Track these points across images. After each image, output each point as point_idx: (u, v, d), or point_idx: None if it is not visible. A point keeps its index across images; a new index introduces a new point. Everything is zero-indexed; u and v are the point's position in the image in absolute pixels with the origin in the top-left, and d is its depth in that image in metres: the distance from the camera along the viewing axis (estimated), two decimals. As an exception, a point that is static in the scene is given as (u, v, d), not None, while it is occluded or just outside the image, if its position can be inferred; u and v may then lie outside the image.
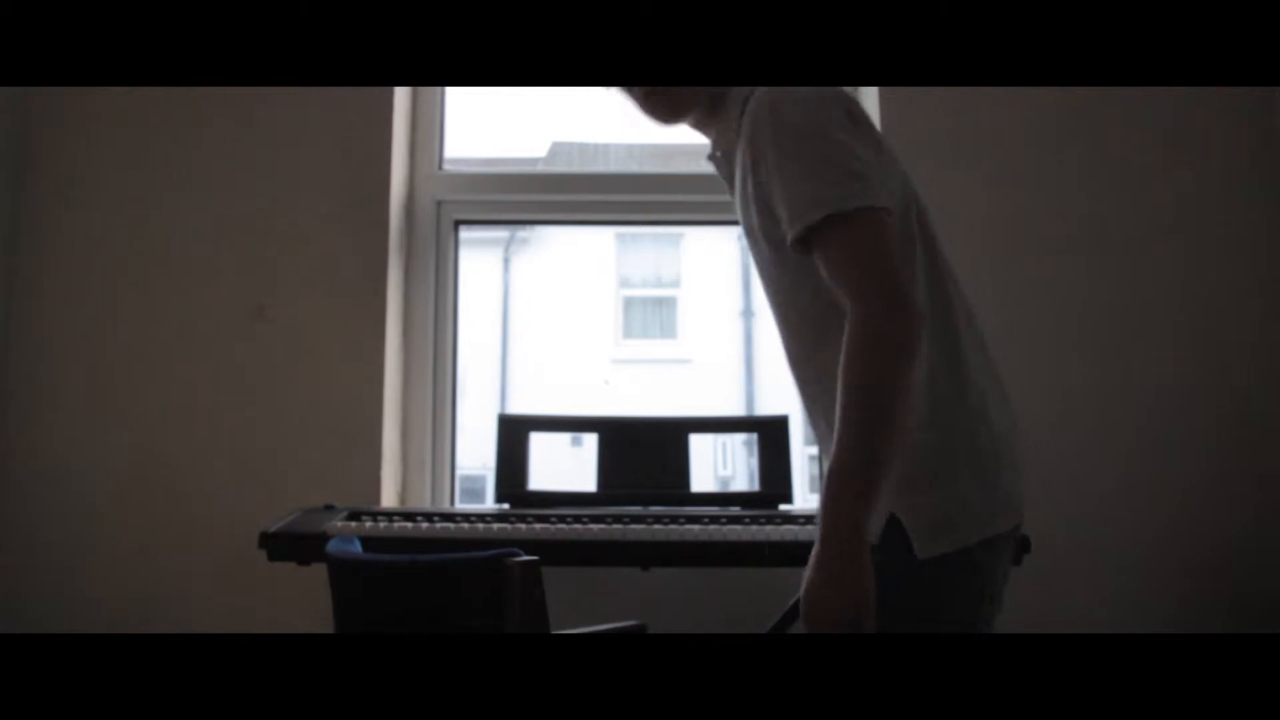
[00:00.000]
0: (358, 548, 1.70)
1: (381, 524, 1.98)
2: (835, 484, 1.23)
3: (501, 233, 2.94)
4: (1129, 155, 2.45)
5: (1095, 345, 2.40)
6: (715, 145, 1.53)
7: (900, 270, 1.26)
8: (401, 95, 2.55)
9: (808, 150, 1.30)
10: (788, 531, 1.92)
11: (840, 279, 1.27)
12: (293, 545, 1.93)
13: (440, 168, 2.66)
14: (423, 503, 2.52)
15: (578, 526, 1.96)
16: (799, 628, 1.27)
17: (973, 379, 1.38)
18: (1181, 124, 2.45)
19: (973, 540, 1.32)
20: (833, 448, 1.25)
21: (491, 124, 2.80)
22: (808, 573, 1.25)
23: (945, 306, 1.40)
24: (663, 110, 1.51)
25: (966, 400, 1.36)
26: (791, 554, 1.85)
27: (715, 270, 2.97)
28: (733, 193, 1.51)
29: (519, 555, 1.48)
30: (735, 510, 2.17)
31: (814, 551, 1.25)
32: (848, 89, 1.41)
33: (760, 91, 1.38)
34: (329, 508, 2.13)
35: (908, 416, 1.24)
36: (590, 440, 2.31)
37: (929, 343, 1.33)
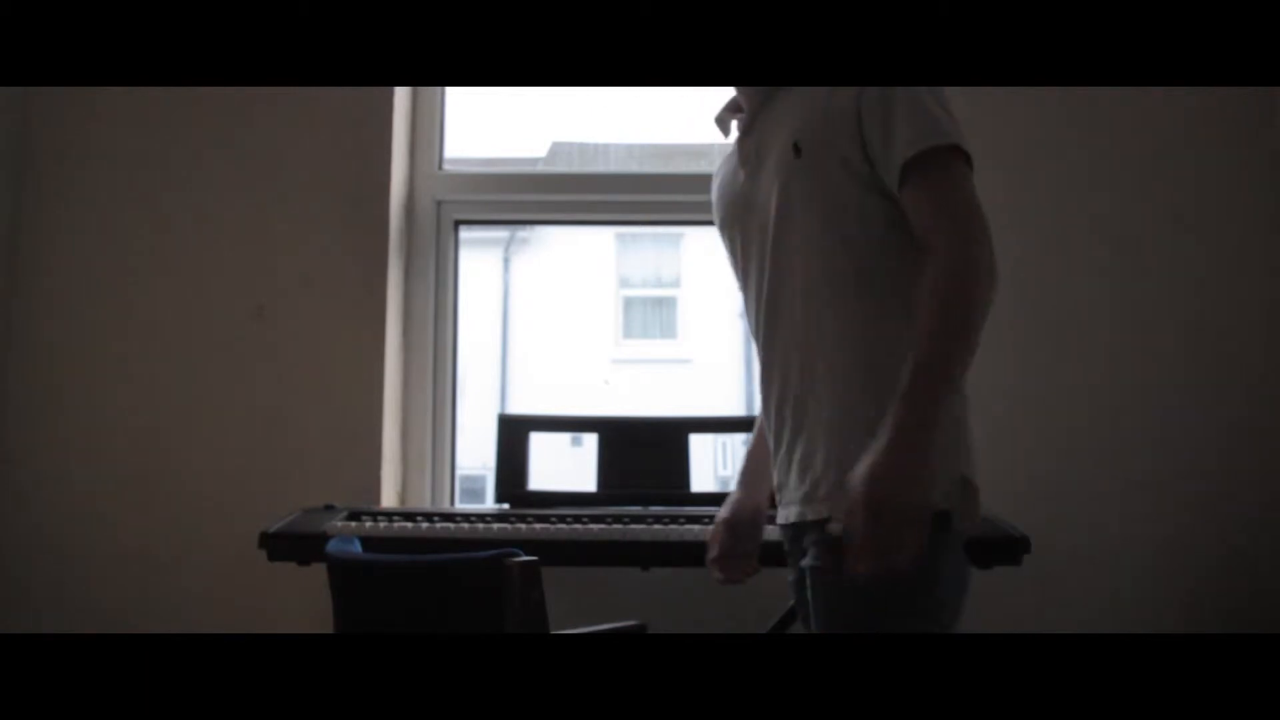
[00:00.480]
0: (358, 548, 1.70)
1: (381, 524, 1.98)
2: (922, 379, 1.24)
3: (501, 233, 2.94)
4: (1129, 155, 2.44)
5: (1097, 346, 2.39)
6: (752, 117, 1.48)
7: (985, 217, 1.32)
8: (401, 95, 2.54)
9: (927, 91, 1.35)
10: (788, 531, 1.92)
11: (948, 211, 1.32)
12: (293, 545, 1.93)
13: (440, 168, 2.65)
14: (423, 503, 2.52)
15: (578, 526, 1.96)
16: (848, 516, 1.23)
17: None
18: (1182, 124, 2.44)
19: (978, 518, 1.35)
20: (918, 352, 1.26)
21: (491, 124, 2.80)
22: (872, 458, 1.23)
23: None
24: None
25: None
26: (791, 554, 1.85)
27: (715, 270, 2.96)
28: (750, 123, 1.47)
29: (518, 555, 1.48)
30: (735, 510, 2.17)
31: (885, 441, 1.23)
32: None
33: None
34: (329, 508, 2.13)
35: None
36: (590, 440, 2.31)
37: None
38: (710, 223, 2.69)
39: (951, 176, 1.32)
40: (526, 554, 1.49)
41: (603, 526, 1.96)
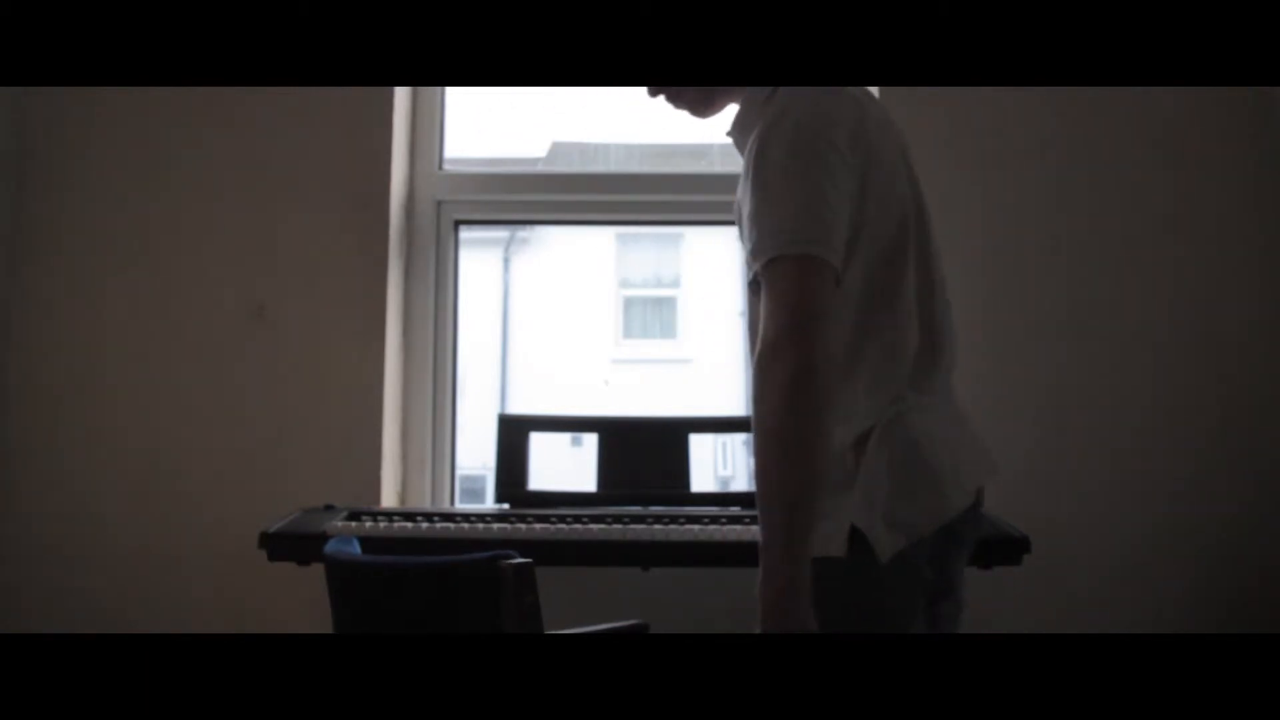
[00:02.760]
0: (357, 548, 1.70)
1: (381, 524, 1.98)
2: (761, 514, 1.26)
3: (501, 233, 2.94)
4: (1127, 154, 2.44)
5: (1092, 344, 2.39)
6: (733, 124, 1.50)
7: (814, 322, 1.26)
8: (401, 95, 2.54)
9: (782, 189, 1.31)
10: (788, 531, 1.91)
11: (765, 323, 1.29)
12: (292, 545, 1.93)
13: (440, 168, 2.66)
14: (423, 503, 2.52)
15: (578, 526, 1.97)
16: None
17: (905, 393, 1.37)
18: (1181, 124, 2.44)
19: (902, 544, 1.33)
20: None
21: (491, 124, 2.79)
22: (758, 587, 1.27)
23: (902, 323, 1.39)
24: (697, 104, 1.52)
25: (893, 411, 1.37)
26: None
27: (715, 270, 2.96)
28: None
29: (513, 558, 1.48)
30: (735, 510, 2.17)
31: (761, 569, 1.26)
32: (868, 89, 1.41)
33: (779, 98, 1.37)
34: (329, 508, 2.13)
35: (813, 450, 1.25)
36: (590, 440, 2.31)
37: (882, 369, 1.36)
38: (710, 222, 2.72)
39: (775, 289, 1.28)
40: (527, 554, 1.49)
41: (603, 526, 1.97)
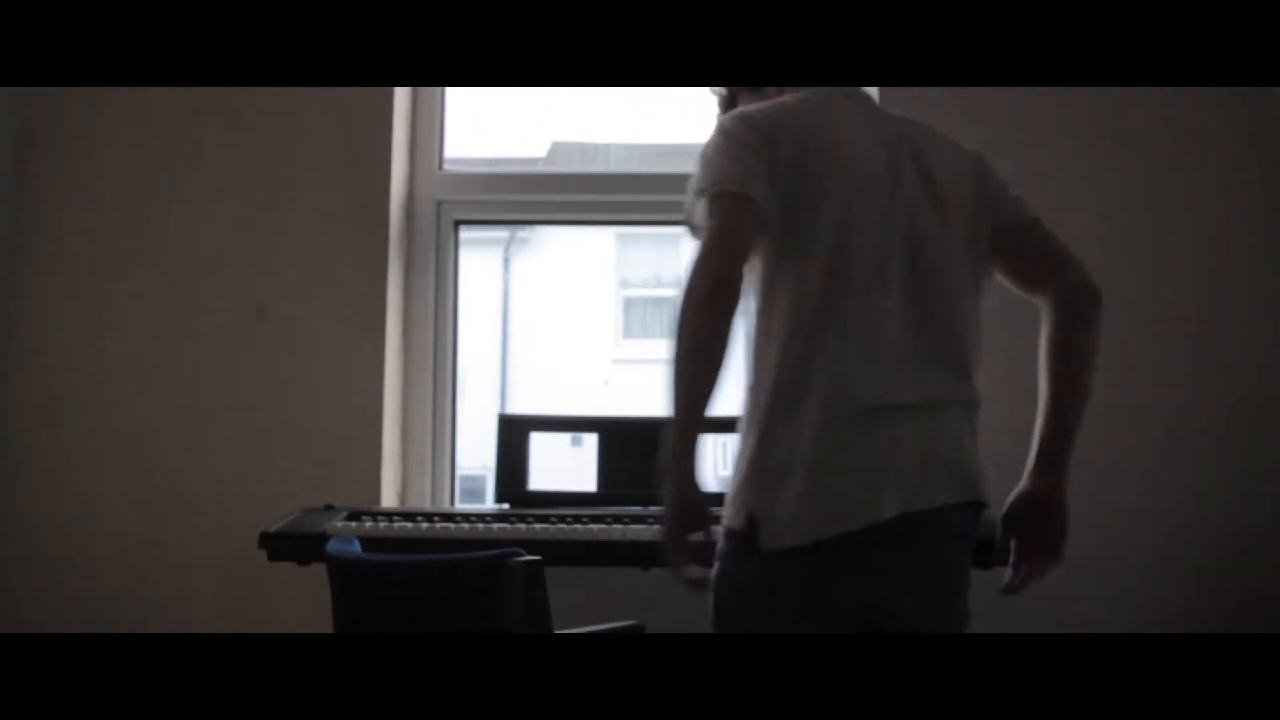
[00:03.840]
0: (358, 548, 1.70)
1: (381, 524, 1.98)
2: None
3: (501, 233, 2.95)
4: (1131, 155, 2.44)
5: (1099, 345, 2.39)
6: None
7: (719, 248, 1.41)
8: (401, 95, 2.54)
9: (713, 153, 1.47)
10: (788, 531, 1.91)
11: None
12: (293, 545, 1.93)
13: (440, 168, 2.65)
14: (423, 503, 2.52)
15: (578, 526, 1.97)
16: None
17: (821, 380, 1.46)
18: (1184, 124, 2.44)
19: (808, 540, 1.36)
20: None
21: (491, 124, 2.80)
22: None
23: (823, 297, 1.46)
24: None
25: (806, 401, 1.46)
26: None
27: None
28: None
29: (521, 555, 1.48)
30: (735, 510, 2.17)
31: None
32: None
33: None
34: (329, 508, 2.13)
35: (711, 366, 1.42)
36: (590, 440, 2.31)
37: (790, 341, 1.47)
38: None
39: (705, 222, 1.44)
40: (527, 554, 1.49)
41: (603, 526, 1.97)
